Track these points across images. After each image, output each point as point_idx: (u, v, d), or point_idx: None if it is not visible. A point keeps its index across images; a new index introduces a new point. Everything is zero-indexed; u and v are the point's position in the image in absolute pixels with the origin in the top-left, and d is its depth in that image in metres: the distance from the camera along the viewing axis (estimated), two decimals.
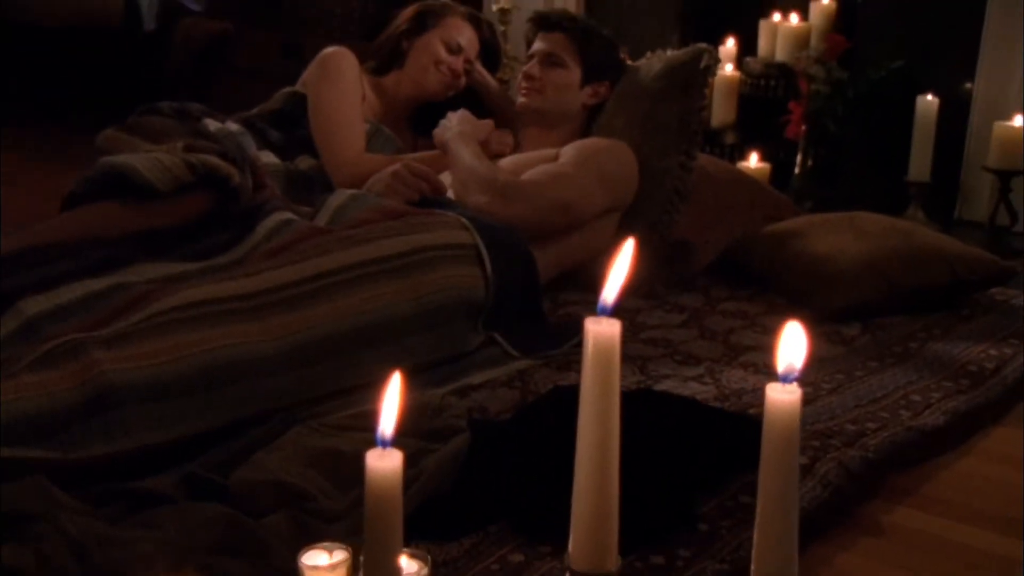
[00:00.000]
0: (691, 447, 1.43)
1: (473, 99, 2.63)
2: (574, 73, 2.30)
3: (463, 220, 1.90)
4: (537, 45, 2.35)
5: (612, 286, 0.59)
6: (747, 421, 1.55)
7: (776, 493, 0.58)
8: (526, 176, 2.09)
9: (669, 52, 2.38)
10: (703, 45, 2.23)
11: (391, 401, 0.60)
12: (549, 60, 2.30)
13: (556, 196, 2.05)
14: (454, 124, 2.24)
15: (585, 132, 2.34)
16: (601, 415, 0.55)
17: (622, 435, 1.46)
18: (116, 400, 1.39)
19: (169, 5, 4.44)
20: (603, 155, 2.14)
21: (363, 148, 2.37)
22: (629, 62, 2.39)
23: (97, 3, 4.28)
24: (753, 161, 3.17)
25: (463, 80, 2.49)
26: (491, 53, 2.61)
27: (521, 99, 2.34)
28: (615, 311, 0.63)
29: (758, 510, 0.60)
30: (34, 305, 1.56)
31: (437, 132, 2.27)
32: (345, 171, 2.29)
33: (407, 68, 2.48)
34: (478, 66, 2.56)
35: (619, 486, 0.59)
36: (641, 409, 1.54)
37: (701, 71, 2.19)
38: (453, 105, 2.47)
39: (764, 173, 3.12)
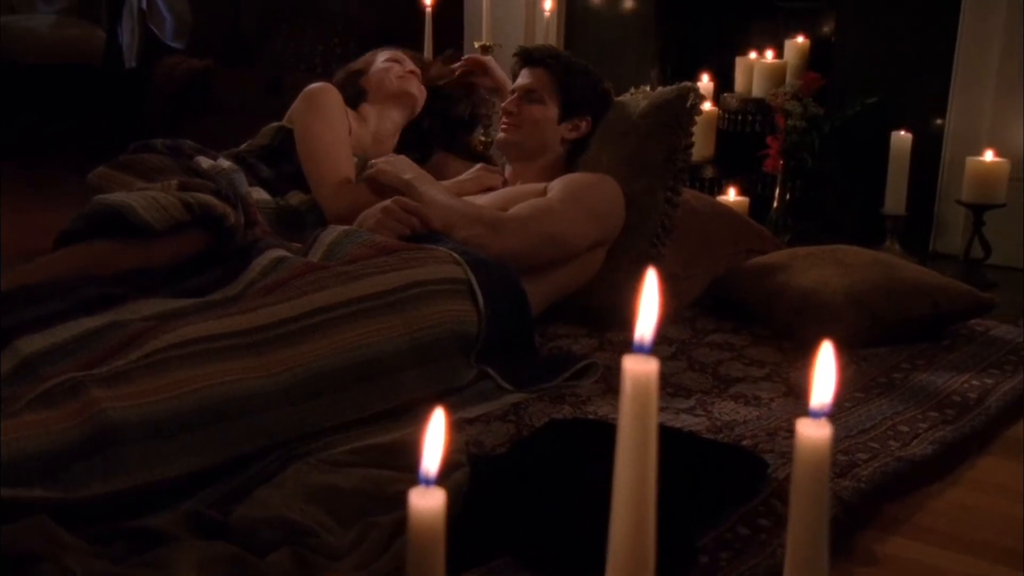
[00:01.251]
0: (689, 480, 1.45)
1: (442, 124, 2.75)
2: (551, 109, 2.34)
3: (455, 255, 1.92)
4: (519, 80, 2.40)
5: (646, 322, 0.60)
6: (743, 453, 1.57)
7: (806, 527, 0.60)
8: (513, 211, 2.12)
9: (648, 89, 2.43)
10: (689, 84, 2.27)
11: (434, 437, 0.61)
12: (528, 96, 2.35)
13: (545, 229, 2.08)
14: (402, 168, 2.22)
15: (570, 167, 2.37)
16: (639, 453, 0.57)
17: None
18: (116, 438, 1.39)
19: (150, 43, 4.46)
20: (591, 189, 2.18)
21: (353, 177, 2.40)
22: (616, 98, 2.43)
23: (79, 41, 4.29)
24: (732, 195, 3.21)
25: (421, 79, 2.63)
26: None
27: (500, 134, 2.39)
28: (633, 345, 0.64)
29: (788, 546, 0.62)
30: (30, 344, 1.56)
31: (387, 173, 2.21)
32: (336, 200, 2.32)
33: (372, 97, 2.59)
34: (492, 64, 2.74)
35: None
36: None
37: (687, 109, 2.23)
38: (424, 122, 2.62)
39: (743, 206, 3.16)
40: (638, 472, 0.56)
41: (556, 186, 2.19)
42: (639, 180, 2.25)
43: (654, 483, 0.57)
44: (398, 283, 1.78)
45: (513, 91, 2.39)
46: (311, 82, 2.64)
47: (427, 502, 0.58)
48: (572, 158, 2.38)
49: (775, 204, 3.31)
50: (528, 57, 2.42)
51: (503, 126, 2.38)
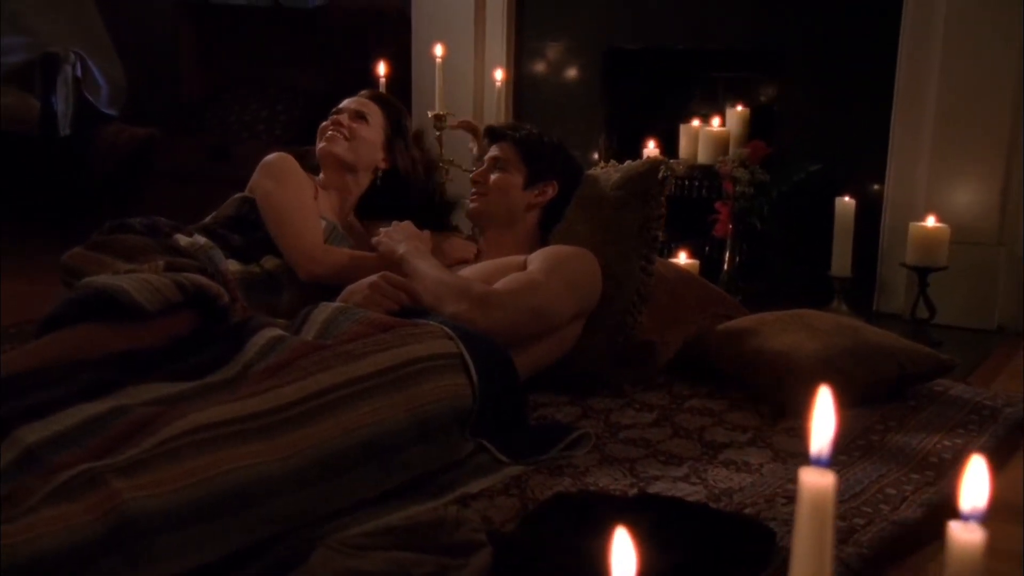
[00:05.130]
0: (709, 551, 1.48)
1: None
2: (516, 176, 2.42)
3: (446, 330, 1.94)
4: (488, 154, 2.46)
5: (821, 436, 0.63)
6: (750, 523, 1.61)
7: None
8: (498, 285, 2.15)
9: (597, 156, 2.51)
10: (659, 156, 2.35)
11: (625, 560, 0.62)
12: (494, 165, 2.42)
13: (530, 304, 2.12)
14: (400, 238, 2.29)
15: (545, 238, 2.42)
16: (817, 560, 0.60)
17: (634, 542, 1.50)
18: (138, 530, 1.36)
19: (84, 111, 4.41)
20: (570, 262, 2.22)
21: (322, 240, 2.43)
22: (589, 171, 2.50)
23: (12, 109, 4.20)
24: (683, 258, 3.30)
25: (345, 131, 2.58)
26: (397, 123, 2.71)
27: (470, 205, 2.44)
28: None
29: None
30: (31, 433, 1.52)
31: (383, 244, 2.30)
32: (310, 264, 2.38)
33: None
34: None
35: None
36: (650, 515, 1.59)
37: (659, 181, 2.30)
38: (389, 193, 2.60)
39: (694, 269, 3.25)
40: None
41: (536, 259, 2.23)
42: (613, 250, 2.31)
43: None
44: (398, 360, 1.79)
45: (483, 162, 2.46)
46: (257, 149, 2.68)
47: None
48: (545, 228, 2.43)
49: (725, 267, 3.41)
50: (494, 133, 2.52)
51: (472, 196, 2.45)
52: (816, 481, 0.61)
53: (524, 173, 2.43)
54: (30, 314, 2.80)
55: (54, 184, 4.11)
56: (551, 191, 2.44)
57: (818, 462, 0.63)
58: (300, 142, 3.99)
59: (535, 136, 2.49)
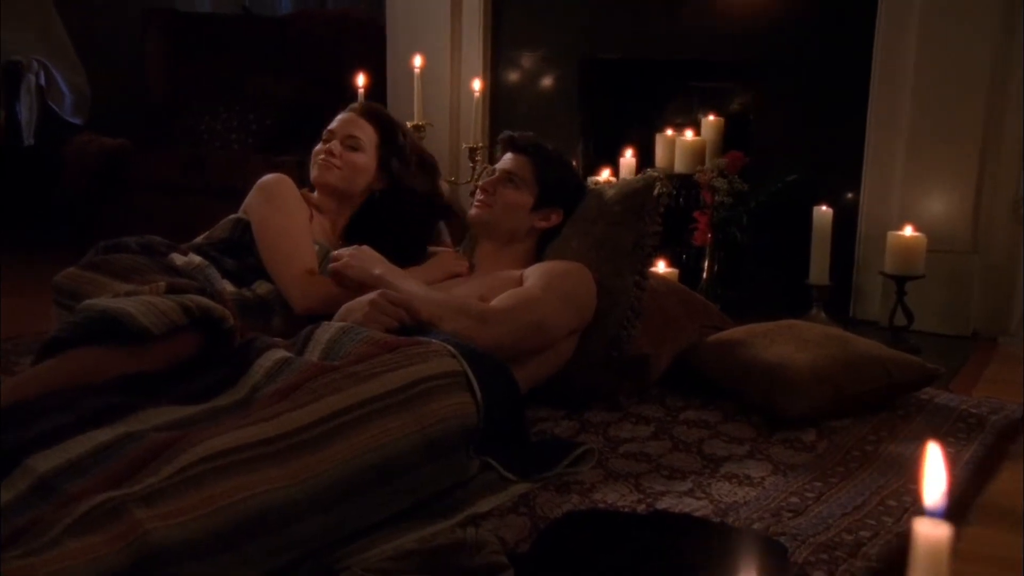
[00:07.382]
0: (719, 568, 1.50)
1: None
2: (526, 196, 2.40)
3: (450, 348, 1.94)
4: (501, 163, 2.46)
5: (935, 488, 0.65)
6: (763, 538, 1.63)
7: None
8: (496, 301, 2.15)
9: (575, 163, 2.52)
10: (655, 173, 2.37)
11: None
12: (507, 178, 2.41)
13: (529, 319, 2.12)
14: (370, 262, 2.24)
15: (539, 253, 2.43)
16: None
17: (652, 561, 1.52)
18: (162, 561, 1.34)
19: (49, 120, 4.34)
20: (567, 278, 2.23)
21: (315, 268, 2.39)
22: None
23: None
24: (661, 267, 3.33)
25: (338, 161, 2.52)
26: (391, 141, 2.61)
27: (473, 210, 2.43)
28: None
29: None
30: (44, 461, 1.50)
31: (352, 268, 2.24)
32: (301, 293, 2.33)
33: None
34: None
35: None
36: (663, 532, 1.60)
37: (655, 198, 2.32)
38: (381, 212, 2.56)
39: (673, 277, 3.28)
40: None
41: (533, 274, 2.24)
42: (608, 265, 2.33)
43: None
44: (406, 380, 1.78)
45: (493, 171, 2.45)
46: (229, 159, 2.61)
47: None
48: (542, 247, 2.44)
49: (704, 276, 3.44)
50: (513, 144, 2.49)
51: (477, 203, 2.43)
52: (932, 532, 0.62)
53: (535, 194, 2.41)
54: (7, 330, 2.76)
55: (24, 195, 4.04)
56: (555, 218, 2.44)
57: (933, 514, 0.64)
58: (273, 151, 3.97)
59: (554, 159, 2.48)
